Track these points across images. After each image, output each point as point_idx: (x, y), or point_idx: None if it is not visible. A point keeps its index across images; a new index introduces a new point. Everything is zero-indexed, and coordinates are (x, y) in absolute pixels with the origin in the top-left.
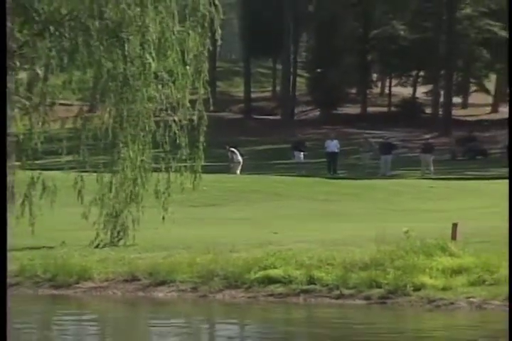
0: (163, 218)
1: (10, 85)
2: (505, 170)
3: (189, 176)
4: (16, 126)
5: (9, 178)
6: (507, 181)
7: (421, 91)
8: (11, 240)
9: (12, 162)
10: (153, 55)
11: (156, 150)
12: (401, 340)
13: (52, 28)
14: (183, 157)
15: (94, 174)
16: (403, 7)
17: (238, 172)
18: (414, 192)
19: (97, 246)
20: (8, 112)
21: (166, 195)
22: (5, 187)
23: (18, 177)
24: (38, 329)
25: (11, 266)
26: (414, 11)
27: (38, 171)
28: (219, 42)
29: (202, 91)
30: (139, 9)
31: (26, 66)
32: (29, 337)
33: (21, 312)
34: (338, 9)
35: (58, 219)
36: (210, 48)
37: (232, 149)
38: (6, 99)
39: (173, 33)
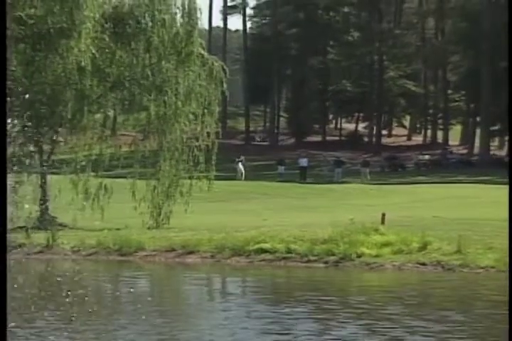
0: (186, 210)
1: (90, 124)
2: (417, 178)
3: (205, 182)
4: (93, 149)
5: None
6: (419, 185)
7: (361, 126)
8: (92, 224)
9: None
10: (184, 101)
11: (184, 165)
12: (346, 286)
13: (118, 85)
14: (201, 169)
15: (144, 181)
16: (349, 71)
17: (242, 178)
18: (357, 193)
19: (148, 228)
20: (86, 140)
21: (188, 194)
22: (5, 187)
23: (92, 182)
24: (112, 280)
25: (91, 241)
26: (356, 73)
27: (105, 179)
28: (227, 94)
29: (214, 126)
30: (175, 72)
31: (101, 110)
32: (106, 284)
33: (98, 270)
34: (307, 72)
35: (121, 210)
36: (220, 98)
37: (239, 160)
38: (6, 99)
39: (197, 87)
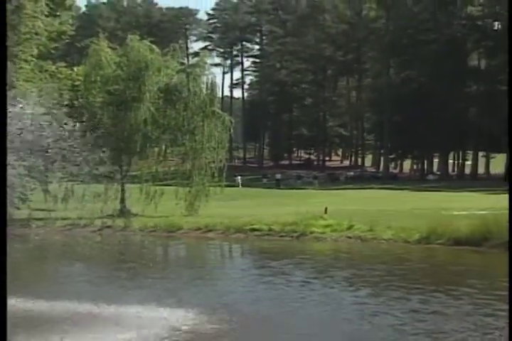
0: (205, 205)
1: (150, 153)
2: (346, 186)
3: (219, 188)
4: (152, 169)
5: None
6: (347, 190)
7: (313, 155)
8: (151, 213)
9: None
10: (207, 140)
11: (206, 178)
12: (302, 250)
13: (167, 130)
14: (216, 181)
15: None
16: (305, 122)
17: (240, 186)
18: (310, 195)
19: (184, 216)
20: (148, 163)
21: (208, 196)
22: (5, 186)
23: (151, 189)
24: (162, 245)
25: (151, 224)
26: (309, 124)
27: (159, 186)
28: (232, 135)
29: (224, 155)
30: (201, 123)
31: (157, 145)
32: (158, 248)
33: (155, 240)
34: (280, 123)
35: (168, 205)
36: (228, 138)
37: (237, 177)
38: (6, 99)
39: (215, 132)
